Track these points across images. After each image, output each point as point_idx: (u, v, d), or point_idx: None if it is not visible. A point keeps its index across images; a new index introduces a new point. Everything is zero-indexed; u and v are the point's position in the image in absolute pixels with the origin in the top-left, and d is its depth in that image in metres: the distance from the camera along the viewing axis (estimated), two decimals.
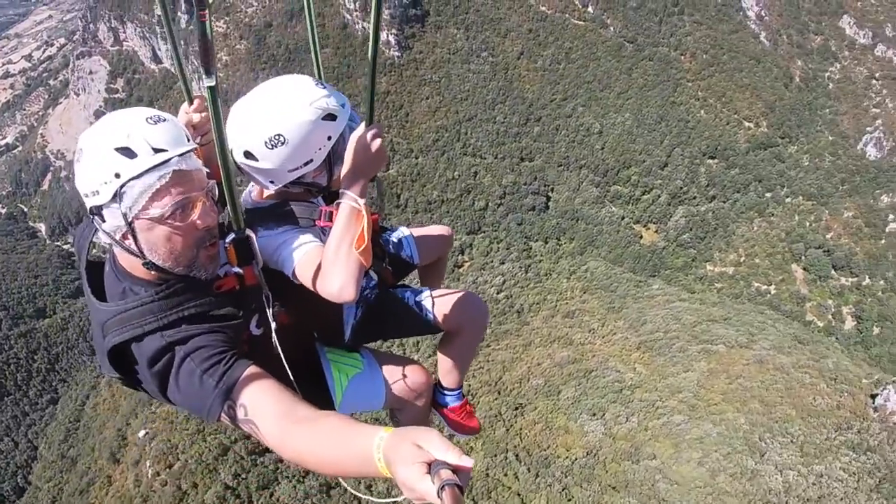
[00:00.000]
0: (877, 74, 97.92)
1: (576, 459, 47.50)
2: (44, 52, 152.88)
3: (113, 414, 60.09)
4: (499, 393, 56.48)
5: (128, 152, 2.01)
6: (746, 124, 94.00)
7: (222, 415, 2.06)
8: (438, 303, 3.10)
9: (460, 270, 77.94)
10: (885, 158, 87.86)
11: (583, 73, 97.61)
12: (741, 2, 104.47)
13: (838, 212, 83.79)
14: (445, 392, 3.42)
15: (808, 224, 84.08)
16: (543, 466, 47.24)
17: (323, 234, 2.61)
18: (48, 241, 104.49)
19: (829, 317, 74.91)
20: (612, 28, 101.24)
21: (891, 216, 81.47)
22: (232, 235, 2.36)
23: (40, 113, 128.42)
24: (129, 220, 2.05)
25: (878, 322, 71.82)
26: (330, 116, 2.51)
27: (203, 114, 2.77)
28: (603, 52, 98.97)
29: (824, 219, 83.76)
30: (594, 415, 51.67)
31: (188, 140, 2.20)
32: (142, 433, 49.43)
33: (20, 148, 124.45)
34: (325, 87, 2.54)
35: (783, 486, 41.14)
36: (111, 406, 62.83)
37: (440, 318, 3.08)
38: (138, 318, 2.10)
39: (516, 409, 54.10)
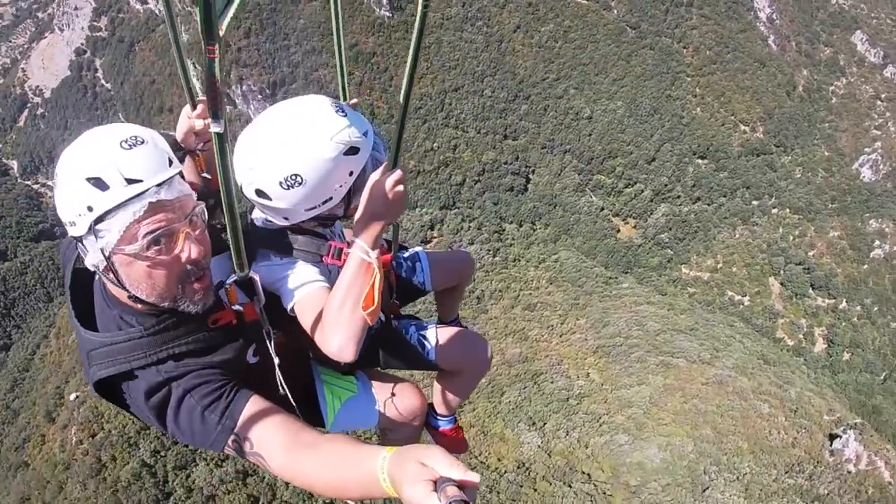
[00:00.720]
0: (882, 95, 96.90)
1: (505, 473, 44.63)
2: None
3: (56, 368, 57.37)
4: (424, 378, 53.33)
5: (99, 183, 1.88)
6: (742, 128, 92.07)
7: (226, 447, 2.07)
8: (441, 343, 3.04)
9: (427, 247, 74.30)
10: (879, 182, 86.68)
11: (579, 54, 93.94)
12: (753, 1, 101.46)
13: (824, 230, 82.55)
14: (439, 417, 3.46)
15: (791, 238, 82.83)
16: None
17: (329, 272, 2.51)
18: (18, 180, 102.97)
19: (801, 336, 73.70)
20: (615, 11, 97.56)
21: (876, 242, 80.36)
22: (234, 277, 2.22)
23: (25, 46, 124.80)
24: (107, 255, 1.95)
25: (849, 348, 70.80)
26: (352, 150, 2.32)
27: (207, 120, 2.49)
28: (603, 35, 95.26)
29: (809, 235, 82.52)
30: (533, 424, 49.01)
31: (170, 164, 2.03)
32: (73, 396, 48.09)
33: (1, 81, 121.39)
34: (346, 114, 2.33)
35: None
36: (56, 359, 59.84)
37: (441, 359, 3.04)
38: (126, 353, 2.05)
39: None
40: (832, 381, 64.03)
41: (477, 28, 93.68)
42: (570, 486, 42.64)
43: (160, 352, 2.03)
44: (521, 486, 42.93)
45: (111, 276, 1.99)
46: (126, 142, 1.91)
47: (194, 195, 2.08)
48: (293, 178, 2.23)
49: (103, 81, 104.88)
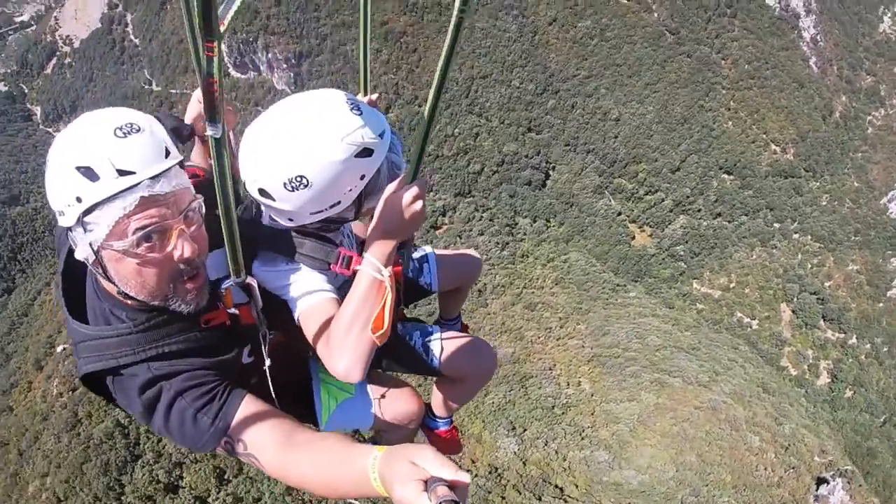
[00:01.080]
0: None
1: (476, 476, 43.27)
2: None
3: (52, 317, 57.16)
4: (424, 379, 52.20)
5: (89, 173, 1.77)
6: (773, 147, 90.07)
7: (218, 448, 2.06)
8: (447, 350, 2.92)
9: (436, 233, 73.29)
10: None
11: (614, 54, 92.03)
12: (799, 21, 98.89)
13: (843, 262, 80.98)
14: (437, 419, 3.35)
15: (809, 266, 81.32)
16: None
17: (336, 280, 2.39)
18: (41, 126, 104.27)
19: (805, 367, 72.39)
20: (656, 14, 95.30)
21: (895, 281, 77.77)
22: (230, 281, 2.12)
23: None
24: (95, 249, 1.86)
25: (852, 386, 69.53)
26: (365, 152, 2.10)
27: None
28: (640, 37, 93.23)
29: (827, 265, 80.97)
30: (513, 429, 47.62)
31: (167, 155, 1.91)
32: (60, 348, 48.30)
33: (34, 27, 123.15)
34: (361, 113, 2.10)
35: None
36: (53, 308, 59.58)
37: (445, 366, 2.93)
38: (115, 348, 1.99)
39: None
40: (830, 418, 62.66)
41: (512, 17, 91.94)
42: (539, 499, 41.35)
43: (149, 349, 1.96)
44: (490, 493, 41.68)
45: (100, 270, 1.90)
46: (121, 129, 1.80)
47: (192, 188, 1.96)
48: (298, 179, 2.03)
49: (132, 37, 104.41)
